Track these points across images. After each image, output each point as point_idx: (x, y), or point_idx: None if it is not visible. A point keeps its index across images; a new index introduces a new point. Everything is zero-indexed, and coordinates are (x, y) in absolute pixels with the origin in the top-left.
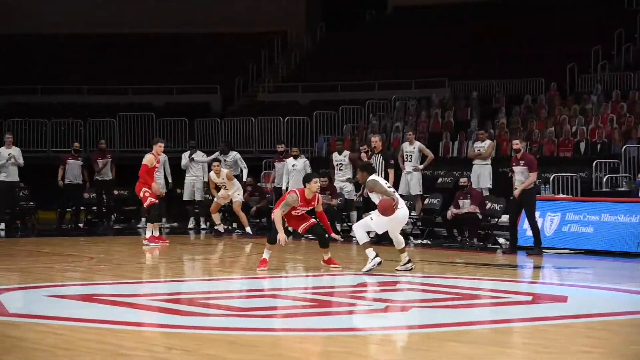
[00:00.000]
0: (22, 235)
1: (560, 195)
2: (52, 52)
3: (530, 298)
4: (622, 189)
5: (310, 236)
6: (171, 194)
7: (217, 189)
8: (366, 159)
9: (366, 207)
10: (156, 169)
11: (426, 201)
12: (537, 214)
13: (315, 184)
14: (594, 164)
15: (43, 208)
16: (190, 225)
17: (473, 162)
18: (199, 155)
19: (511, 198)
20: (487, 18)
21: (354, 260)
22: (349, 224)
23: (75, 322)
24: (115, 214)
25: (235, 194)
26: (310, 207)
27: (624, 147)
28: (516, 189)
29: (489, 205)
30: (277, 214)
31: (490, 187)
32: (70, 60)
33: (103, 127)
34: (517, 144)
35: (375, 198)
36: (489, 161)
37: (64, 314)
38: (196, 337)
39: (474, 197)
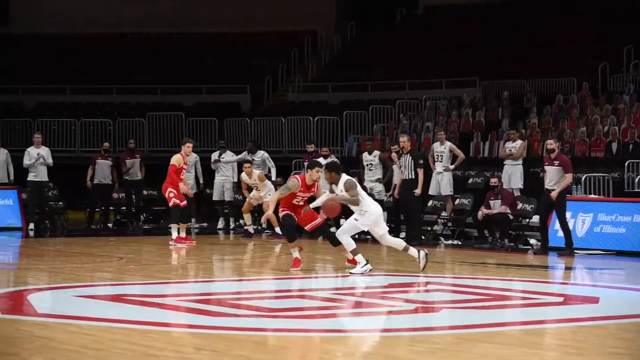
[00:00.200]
0: (51, 235)
1: (592, 196)
2: (82, 51)
3: (561, 299)
4: None
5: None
6: (201, 194)
7: (249, 189)
8: (397, 159)
9: (396, 207)
10: (184, 170)
11: (457, 201)
12: (568, 214)
13: (317, 172)
14: (626, 164)
15: (72, 208)
16: (220, 225)
17: (504, 162)
18: (228, 155)
19: (542, 198)
20: (518, 17)
21: (383, 261)
22: None
23: (105, 322)
24: (144, 214)
25: (267, 194)
26: (309, 194)
27: None
28: (547, 188)
29: (520, 205)
30: (274, 197)
31: (522, 187)
32: (99, 60)
33: (132, 127)
34: (551, 144)
35: (337, 191)
36: (520, 161)
37: (93, 314)
38: (225, 337)
39: (505, 197)
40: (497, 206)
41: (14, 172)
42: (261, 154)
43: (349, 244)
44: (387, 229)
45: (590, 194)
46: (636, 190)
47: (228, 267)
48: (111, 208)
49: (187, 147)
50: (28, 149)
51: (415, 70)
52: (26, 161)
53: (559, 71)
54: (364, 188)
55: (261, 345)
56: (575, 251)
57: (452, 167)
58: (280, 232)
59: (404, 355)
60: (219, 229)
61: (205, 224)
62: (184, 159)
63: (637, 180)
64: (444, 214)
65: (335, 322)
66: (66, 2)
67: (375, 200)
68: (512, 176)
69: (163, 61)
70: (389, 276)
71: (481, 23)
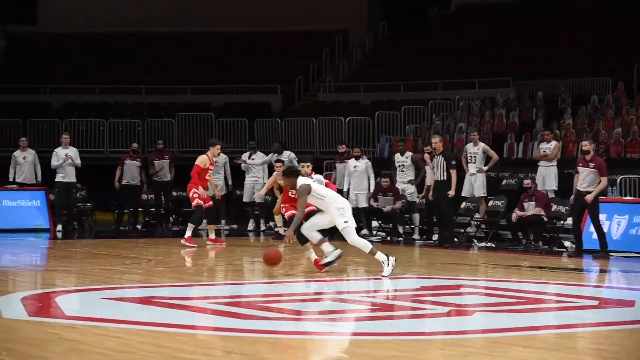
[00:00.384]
0: (79, 236)
1: (628, 198)
2: (110, 51)
3: (596, 302)
4: None
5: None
6: (230, 195)
7: (281, 190)
8: (429, 160)
9: (429, 209)
10: (210, 171)
11: (490, 203)
12: (603, 216)
13: (302, 168)
14: None
15: (101, 209)
16: (250, 227)
17: (538, 164)
18: (259, 157)
19: (574, 200)
20: (551, 16)
21: (416, 264)
22: (411, 226)
23: (133, 325)
24: (174, 216)
25: None
26: None
27: None
28: (578, 190)
29: (554, 207)
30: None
31: (556, 189)
32: (128, 59)
33: (161, 128)
34: (586, 145)
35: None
36: (554, 162)
37: (122, 317)
38: (255, 340)
39: (539, 199)
40: (531, 208)
41: (42, 173)
42: (288, 155)
43: (314, 237)
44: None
45: (625, 195)
46: None
47: (258, 270)
48: (140, 209)
49: (217, 149)
50: (56, 150)
51: (447, 70)
52: (54, 162)
53: (594, 71)
54: (396, 189)
55: (291, 348)
56: (610, 254)
57: (485, 168)
58: None
59: (436, 358)
60: (249, 231)
61: (235, 226)
62: (210, 160)
63: None
64: (477, 215)
65: (366, 325)
66: (94, 1)
67: (408, 201)
68: (547, 177)
69: (192, 61)
70: (421, 279)
71: (514, 22)
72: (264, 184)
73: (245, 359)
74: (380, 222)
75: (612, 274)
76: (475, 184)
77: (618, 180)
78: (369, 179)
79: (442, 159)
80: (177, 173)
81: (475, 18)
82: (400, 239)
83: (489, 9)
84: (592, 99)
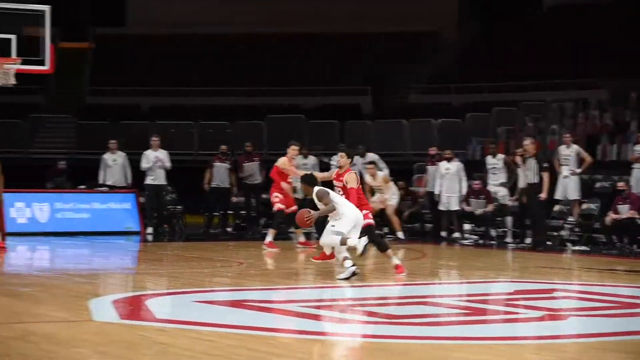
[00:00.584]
0: (169, 239)
1: None
2: (199, 53)
3: None
4: None
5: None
6: None
7: (372, 192)
8: (521, 163)
9: (521, 212)
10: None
11: (584, 206)
12: None
13: (340, 158)
14: None
15: (191, 212)
16: None
17: (632, 166)
18: (356, 160)
19: None
20: None
21: (508, 267)
22: (503, 229)
23: (224, 328)
24: (264, 218)
25: (392, 197)
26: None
27: None
28: None
29: None
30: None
31: None
32: (217, 61)
33: (251, 130)
34: None
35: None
36: None
37: (213, 320)
38: (345, 344)
39: (634, 201)
40: (625, 211)
41: (132, 176)
42: (371, 157)
43: (330, 245)
44: (357, 239)
45: None
46: None
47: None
48: (230, 212)
49: (292, 149)
50: (146, 152)
51: (539, 71)
52: (144, 164)
53: None
54: (487, 192)
55: (383, 352)
56: None
57: (578, 170)
58: (402, 237)
59: None
60: None
61: None
62: (290, 161)
63: None
64: (570, 219)
65: (459, 329)
66: (184, 3)
67: (500, 204)
68: None
69: (283, 62)
70: (515, 282)
71: (606, 22)
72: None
73: None
74: (472, 225)
75: None
76: (568, 186)
77: None
78: (460, 182)
79: (534, 161)
80: (267, 175)
81: (567, 18)
82: (493, 242)
83: (581, 9)
84: None
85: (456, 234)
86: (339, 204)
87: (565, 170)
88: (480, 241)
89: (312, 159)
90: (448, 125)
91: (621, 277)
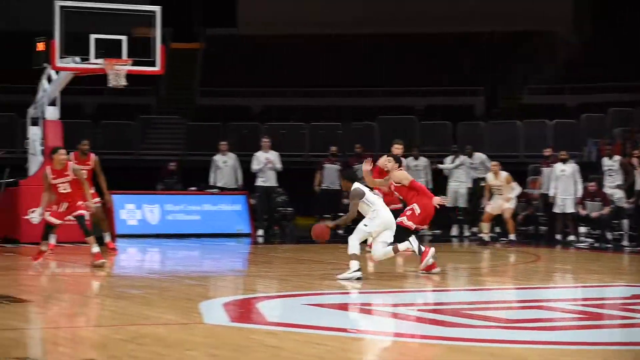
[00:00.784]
0: (280, 241)
1: None
2: (311, 53)
3: None
4: None
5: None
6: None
7: (491, 193)
8: (638, 165)
9: (638, 214)
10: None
11: None
12: None
13: (395, 150)
14: None
15: (302, 214)
16: (454, 232)
17: None
18: (464, 160)
19: None
20: None
21: (625, 271)
22: (620, 232)
23: (335, 331)
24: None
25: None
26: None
27: None
28: None
29: None
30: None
31: None
32: (328, 62)
33: (362, 131)
34: None
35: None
36: None
37: (323, 323)
38: (459, 349)
39: None
40: None
41: (243, 177)
42: (479, 157)
43: (353, 247)
44: (390, 242)
45: None
46: None
47: (462, 276)
48: (341, 214)
49: (397, 148)
50: (256, 154)
51: None
52: (254, 166)
53: None
54: (603, 194)
55: (496, 357)
56: None
57: None
58: (515, 239)
59: None
60: (453, 237)
61: (438, 231)
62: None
63: None
64: None
65: (574, 334)
66: (295, 3)
67: (616, 206)
68: None
69: (394, 62)
70: (633, 287)
71: None
72: (467, 188)
73: None
74: (587, 228)
75: None
76: None
77: None
78: (575, 184)
79: None
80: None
81: None
82: (609, 245)
83: None
84: None
85: (571, 237)
86: (373, 204)
87: None
88: (596, 244)
89: (423, 160)
90: (563, 126)
91: None
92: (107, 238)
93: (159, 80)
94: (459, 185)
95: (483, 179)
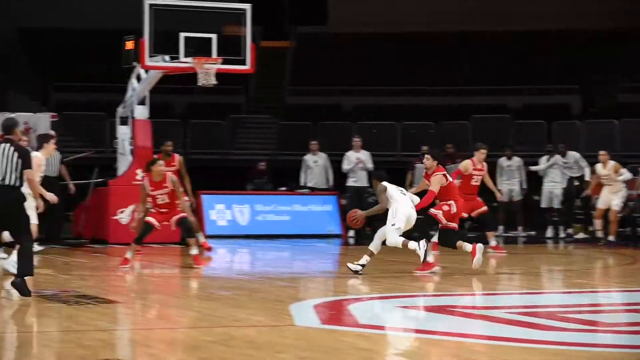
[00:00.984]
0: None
1: None
2: (402, 52)
3: None
4: None
5: None
6: (527, 201)
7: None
8: None
9: None
10: (474, 177)
11: None
12: None
13: (479, 154)
14: None
15: None
16: (549, 234)
17: None
18: (559, 160)
19: None
20: None
21: None
22: None
23: (427, 334)
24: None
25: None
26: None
27: None
28: None
29: None
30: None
31: None
32: (419, 60)
33: (455, 130)
34: None
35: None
36: None
37: (416, 326)
38: (556, 352)
39: None
40: None
41: (333, 177)
42: (572, 155)
43: (397, 241)
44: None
45: None
46: None
47: (557, 278)
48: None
49: (481, 153)
50: (347, 153)
51: None
52: (345, 166)
53: None
54: None
55: None
56: None
57: None
58: (613, 240)
59: None
60: (548, 238)
61: (533, 232)
62: (474, 165)
63: None
64: None
65: None
66: (386, 1)
67: None
68: None
69: (487, 61)
70: None
71: None
72: (562, 188)
73: None
74: None
75: None
76: None
77: None
78: None
79: None
80: None
81: None
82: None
83: None
84: None
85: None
86: (395, 200)
87: None
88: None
89: (516, 160)
90: None
91: None
92: (202, 238)
93: (249, 79)
94: (553, 186)
95: (578, 178)
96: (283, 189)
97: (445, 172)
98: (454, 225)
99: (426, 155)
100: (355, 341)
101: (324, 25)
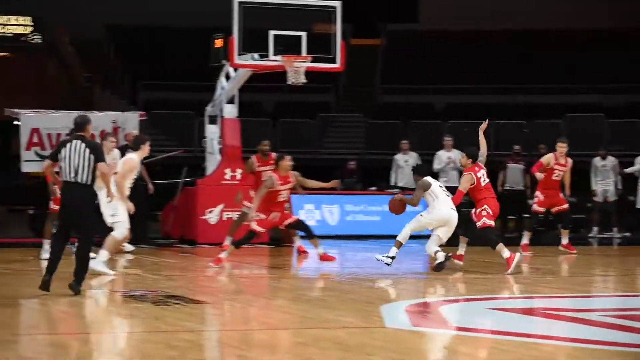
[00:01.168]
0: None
1: None
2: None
3: None
4: None
5: None
6: (622, 201)
7: None
8: None
9: None
10: (555, 172)
11: None
12: None
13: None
14: None
15: None
16: None
17: None
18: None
19: None
20: None
21: None
22: None
23: (518, 337)
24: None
25: None
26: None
27: None
28: None
29: None
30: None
31: None
32: (511, 58)
33: (549, 129)
34: None
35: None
36: None
37: (509, 329)
38: None
39: None
40: None
41: None
42: None
43: (404, 234)
44: (445, 241)
45: None
46: None
47: None
48: (526, 215)
49: (560, 147)
50: (438, 153)
51: None
52: (436, 165)
53: None
54: None
55: None
56: None
57: None
58: None
59: None
60: None
61: (628, 234)
62: (556, 159)
63: None
64: None
65: None
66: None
67: None
68: None
69: (581, 59)
70: None
71: None
72: None
73: None
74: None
75: None
76: None
77: None
78: None
79: None
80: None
81: None
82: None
83: None
84: None
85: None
86: (436, 198)
87: None
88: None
89: (610, 160)
90: None
91: None
92: (298, 242)
93: (338, 77)
94: None
95: None
96: (373, 188)
97: (474, 172)
98: (491, 222)
99: (462, 154)
100: (446, 343)
101: (415, 22)
